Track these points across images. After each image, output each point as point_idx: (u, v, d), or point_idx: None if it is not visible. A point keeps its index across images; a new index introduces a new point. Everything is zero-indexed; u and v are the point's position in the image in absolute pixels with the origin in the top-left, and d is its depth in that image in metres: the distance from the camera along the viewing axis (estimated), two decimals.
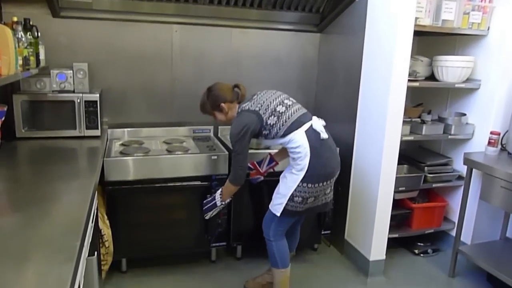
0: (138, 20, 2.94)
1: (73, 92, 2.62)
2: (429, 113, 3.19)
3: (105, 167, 2.48)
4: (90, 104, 2.60)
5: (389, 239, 2.88)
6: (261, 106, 2.25)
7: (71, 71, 2.61)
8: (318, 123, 2.27)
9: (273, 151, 2.67)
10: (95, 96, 2.61)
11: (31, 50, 2.28)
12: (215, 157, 2.70)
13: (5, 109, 1.89)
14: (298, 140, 2.20)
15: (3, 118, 1.89)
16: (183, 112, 3.20)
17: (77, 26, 2.83)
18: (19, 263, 1.15)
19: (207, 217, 2.57)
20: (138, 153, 2.62)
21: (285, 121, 2.22)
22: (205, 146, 2.90)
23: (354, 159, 2.98)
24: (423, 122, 3.00)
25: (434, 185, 3.06)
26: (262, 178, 2.63)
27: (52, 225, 1.41)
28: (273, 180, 2.45)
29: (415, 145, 3.44)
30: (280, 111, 2.24)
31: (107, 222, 2.51)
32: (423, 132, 2.90)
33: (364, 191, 2.90)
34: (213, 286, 2.68)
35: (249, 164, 2.59)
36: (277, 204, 2.29)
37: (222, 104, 2.32)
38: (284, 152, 2.54)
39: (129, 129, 3.10)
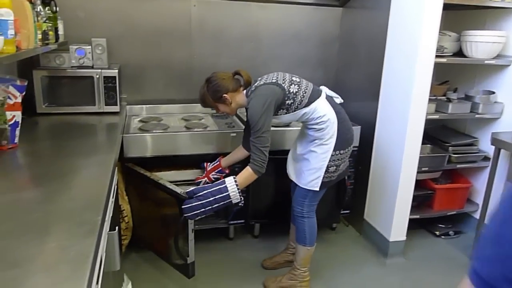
0: None
1: (92, 67, 2.60)
2: (455, 91, 3.08)
3: (124, 143, 2.47)
4: (108, 79, 2.58)
5: (410, 220, 2.83)
6: (277, 78, 2.16)
7: (90, 47, 2.58)
8: (328, 90, 2.28)
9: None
10: (114, 72, 2.58)
11: (50, 25, 2.26)
12: (234, 134, 2.66)
13: (26, 83, 1.88)
14: (323, 108, 2.16)
15: (23, 93, 1.88)
16: None
17: (94, 1, 2.79)
18: (41, 237, 1.14)
19: (195, 218, 2.10)
20: (156, 129, 2.61)
21: (306, 89, 2.17)
22: (224, 123, 2.87)
23: (375, 138, 2.91)
24: (449, 100, 2.90)
25: (458, 166, 2.98)
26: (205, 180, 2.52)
27: (73, 200, 1.40)
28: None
29: (439, 124, 3.34)
30: (297, 81, 2.18)
31: (126, 198, 2.52)
32: (449, 111, 2.80)
33: (385, 170, 2.83)
34: (230, 264, 2.69)
35: (204, 163, 2.58)
36: (314, 179, 2.22)
37: (225, 95, 2.16)
38: (236, 157, 2.47)
39: (147, 105, 3.08)
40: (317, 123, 2.18)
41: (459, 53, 2.88)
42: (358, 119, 3.03)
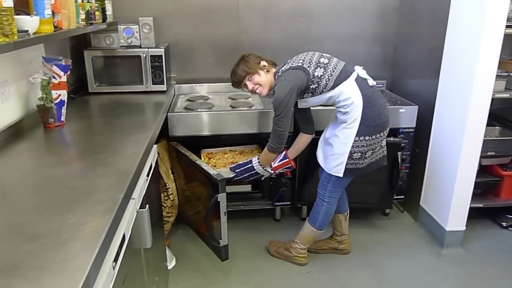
0: None
1: (140, 47, 2.64)
2: None
3: (169, 122, 2.49)
4: (155, 59, 2.60)
5: (471, 208, 2.58)
6: (303, 61, 2.10)
7: (137, 26, 2.62)
8: (362, 71, 2.13)
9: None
10: (160, 51, 2.60)
11: (97, 5, 2.30)
12: None
13: (70, 63, 1.94)
14: (349, 91, 2.06)
15: (68, 72, 1.94)
16: None
17: None
18: (62, 213, 1.17)
19: (233, 178, 2.42)
20: (202, 108, 2.60)
21: (333, 71, 2.07)
22: (270, 102, 2.78)
23: (434, 118, 2.68)
24: None
25: None
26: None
27: (102, 176, 1.42)
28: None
29: (511, 104, 3.00)
30: (325, 62, 2.10)
31: (172, 176, 2.55)
32: None
33: (444, 154, 2.60)
34: None
35: None
36: (337, 165, 2.16)
37: (264, 62, 2.21)
38: (299, 146, 2.40)
39: (196, 84, 3.08)
40: (342, 106, 2.09)
41: None
42: (416, 98, 2.81)
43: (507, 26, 2.25)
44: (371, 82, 2.13)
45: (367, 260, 2.51)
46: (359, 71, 2.13)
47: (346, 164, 2.13)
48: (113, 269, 1.12)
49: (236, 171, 2.40)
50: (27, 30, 1.43)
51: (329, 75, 2.06)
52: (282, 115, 2.08)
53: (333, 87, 2.06)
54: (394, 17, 3.13)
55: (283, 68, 2.14)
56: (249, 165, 2.38)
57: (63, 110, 1.97)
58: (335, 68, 2.08)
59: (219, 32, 3.00)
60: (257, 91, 2.23)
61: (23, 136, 1.81)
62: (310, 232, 2.36)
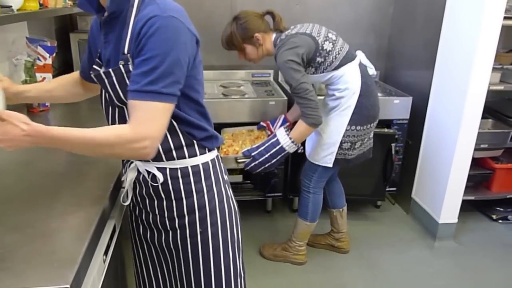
0: None
1: None
2: None
3: None
4: None
5: (463, 201, 2.58)
6: (312, 30, 1.94)
7: None
8: (364, 57, 2.07)
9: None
10: None
11: None
12: (273, 102, 2.52)
13: (55, 44, 1.84)
14: (351, 75, 1.97)
15: (53, 54, 1.84)
16: None
17: None
18: (49, 202, 1.09)
19: (256, 170, 2.00)
20: None
21: (340, 50, 1.96)
22: (264, 90, 2.73)
23: (429, 110, 2.65)
24: None
25: None
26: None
27: (91, 164, 1.34)
28: None
29: (504, 97, 2.99)
30: (333, 38, 1.97)
31: None
32: None
33: (438, 146, 2.58)
34: (267, 236, 2.60)
35: (261, 123, 2.38)
36: (327, 155, 2.08)
37: (257, 34, 1.96)
38: (298, 110, 2.24)
39: None
40: (337, 90, 2.00)
41: None
42: (410, 89, 2.78)
43: (504, 18, 2.23)
44: (371, 71, 2.07)
45: (360, 252, 2.48)
46: (361, 56, 2.06)
47: (336, 154, 2.06)
48: (104, 262, 1.05)
49: (254, 153, 1.96)
50: (11, 6, 1.34)
51: (337, 52, 1.95)
52: (300, 81, 1.84)
53: (337, 67, 1.95)
54: (390, 8, 3.08)
55: (287, 32, 1.95)
56: (273, 140, 1.96)
57: None
58: (342, 48, 1.98)
59: (212, 17, 2.91)
60: (248, 58, 2.07)
61: None
62: (304, 226, 2.29)
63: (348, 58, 1.97)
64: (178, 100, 1.00)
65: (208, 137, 1.13)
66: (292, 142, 1.92)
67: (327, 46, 1.93)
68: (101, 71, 1.02)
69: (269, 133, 2.33)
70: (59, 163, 1.36)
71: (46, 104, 1.87)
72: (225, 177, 1.24)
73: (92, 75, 1.04)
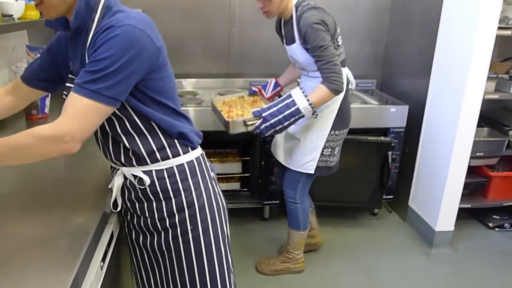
0: None
1: None
2: None
3: None
4: None
5: (459, 209, 2.59)
6: (330, 17, 1.89)
7: None
8: (348, 70, 2.06)
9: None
10: None
11: None
12: None
13: None
14: (345, 78, 1.97)
15: None
16: (240, 63, 3.05)
17: None
18: (46, 208, 1.10)
19: (266, 133, 1.82)
20: (190, 104, 2.54)
21: (343, 52, 1.98)
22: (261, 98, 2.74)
23: (425, 118, 2.67)
24: None
25: None
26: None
27: (89, 169, 1.36)
28: None
29: (499, 106, 3.02)
30: (341, 37, 1.97)
31: None
32: (511, 90, 2.50)
33: (434, 154, 2.60)
34: (264, 243, 2.60)
35: (253, 88, 2.24)
36: (309, 161, 2.07)
37: None
38: (289, 76, 2.24)
39: (186, 79, 3.02)
40: None
41: None
42: (406, 97, 2.80)
43: (499, 28, 2.26)
44: (352, 85, 2.07)
45: (357, 260, 2.49)
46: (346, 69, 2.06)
47: (318, 160, 2.06)
48: (101, 269, 1.06)
49: (265, 114, 1.79)
50: (12, 15, 1.36)
51: (343, 50, 1.96)
52: (326, 44, 1.77)
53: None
54: (386, 16, 3.12)
55: (311, 2, 1.87)
56: (288, 101, 1.80)
57: (47, 102, 1.89)
58: (343, 51, 1.99)
59: (210, 26, 2.94)
60: (266, 9, 1.90)
61: (4, 128, 1.73)
62: (298, 236, 2.28)
63: (344, 62, 2.00)
64: (148, 103, 1.05)
65: (187, 134, 1.15)
66: (310, 105, 1.78)
67: (340, 40, 1.94)
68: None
69: (262, 98, 2.22)
70: (57, 169, 1.37)
71: (45, 111, 1.89)
72: (212, 174, 1.26)
73: (64, 96, 1.06)
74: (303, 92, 1.80)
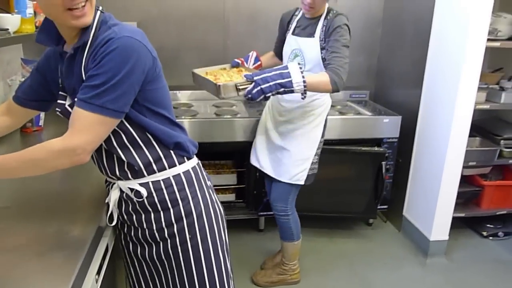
0: None
1: None
2: (510, 79, 2.80)
3: None
4: None
5: (453, 218, 2.61)
6: None
7: None
8: None
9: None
10: None
11: None
12: None
13: None
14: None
15: None
16: None
17: None
18: (42, 220, 1.10)
19: (248, 96, 1.69)
20: (185, 115, 2.55)
21: None
22: (256, 110, 2.76)
23: (418, 128, 2.70)
24: (502, 89, 2.63)
25: (510, 161, 2.71)
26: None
27: (85, 182, 1.36)
28: None
29: (491, 116, 3.06)
30: None
31: None
32: (502, 101, 2.54)
33: (427, 164, 2.63)
34: (259, 255, 2.60)
35: (236, 60, 2.15)
36: (300, 172, 2.07)
37: None
38: (268, 60, 2.25)
39: (181, 91, 3.03)
40: (315, 100, 2.02)
41: None
42: (399, 108, 2.83)
43: (488, 40, 2.30)
44: None
45: (353, 270, 2.49)
46: None
47: (308, 169, 2.07)
48: (96, 282, 1.06)
49: (256, 78, 1.68)
50: (7, 29, 1.37)
51: None
52: (349, 45, 1.86)
53: None
54: (379, 28, 3.16)
55: (341, 12, 1.95)
56: (284, 71, 1.71)
57: (42, 114, 1.90)
58: None
59: (205, 38, 2.97)
60: (314, 4, 1.90)
61: None
62: (293, 247, 2.28)
63: None
64: (146, 114, 1.07)
65: (183, 143, 1.17)
66: (304, 82, 1.71)
67: None
68: (67, 103, 1.07)
69: (247, 68, 2.14)
70: (53, 182, 1.36)
71: (40, 124, 1.89)
72: (208, 183, 1.28)
73: (58, 112, 1.08)
74: (300, 68, 1.72)
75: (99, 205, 1.20)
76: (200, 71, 2.05)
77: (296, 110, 2.06)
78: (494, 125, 2.93)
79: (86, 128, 0.98)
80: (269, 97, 1.72)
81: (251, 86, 1.68)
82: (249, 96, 1.69)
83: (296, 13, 2.10)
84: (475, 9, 2.21)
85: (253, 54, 2.21)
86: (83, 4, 0.96)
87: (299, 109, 2.05)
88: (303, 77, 1.70)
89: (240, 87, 1.71)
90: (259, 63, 2.19)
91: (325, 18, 1.95)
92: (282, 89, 1.70)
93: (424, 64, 2.61)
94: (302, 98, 1.79)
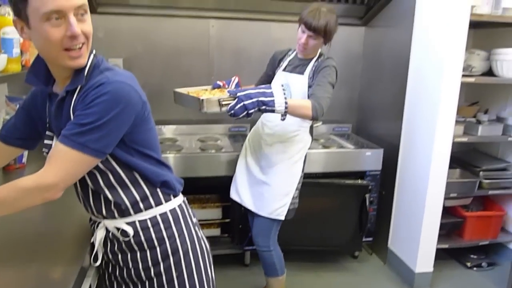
0: (175, 15, 2.89)
1: None
2: (486, 112, 2.89)
3: None
4: None
5: (437, 249, 2.63)
6: None
7: None
8: None
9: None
10: None
11: None
12: None
13: None
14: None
15: None
16: None
17: (114, 21, 2.82)
18: (24, 262, 1.08)
19: (228, 110, 1.72)
20: (170, 150, 2.56)
21: None
22: (240, 144, 2.78)
23: (399, 161, 2.76)
24: (479, 122, 2.72)
25: (490, 192, 2.76)
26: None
27: (69, 221, 1.34)
28: None
29: (469, 148, 3.15)
30: None
31: None
32: (479, 133, 2.62)
33: (410, 196, 2.67)
34: None
35: (218, 82, 2.18)
36: (280, 207, 2.09)
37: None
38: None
39: (166, 126, 3.05)
40: (295, 130, 2.07)
41: (489, 72, 2.71)
42: (381, 141, 2.89)
43: (463, 75, 2.40)
44: None
45: None
46: None
47: (289, 204, 2.09)
48: None
49: (240, 94, 1.71)
50: None
51: None
52: (334, 84, 1.99)
53: None
54: (359, 64, 3.27)
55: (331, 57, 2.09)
56: (267, 90, 1.75)
57: (25, 152, 1.88)
58: None
59: (189, 74, 3.02)
60: (307, 46, 2.00)
61: None
62: (278, 282, 2.27)
63: None
64: (133, 154, 1.08)
65: (169, 182, 1.18)
66: (285, 103, 1.75)
67: None
68: (53, 144, 1.08)
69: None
70: (34, 221, 1.35)
71: (23, 161, 1.87)
72: (194, 219, 1.28)
73: (45, 154, 1.09)
74: (283, 90, 1.76)
75: (82, 244, 1.19)
76: (181, 90, 2.08)
77: (276, 145, 2.09)
78: (472, 157, 3.01)
79: (64, 164, 0.97)
80: (251, 114, 1.73)
81: (234, 102, 1.70)
82: (232, 112, 1.70)
83: (290, 53, 2.20)
84: (449, 47, 2.32)
85: (235, 79, 2.21)
86: (80, 45, 0.99)
87: (280, 143, 2.09)
88: (285, 98, 1.75)
89: (223, 103, 1.73)
90: (239, 88, 2.22)
91: (316, 60, 2.06)
92: (264, 107, 1.73)
93: (403, 98, 2.69)
94: (282, 120, 1.83)
